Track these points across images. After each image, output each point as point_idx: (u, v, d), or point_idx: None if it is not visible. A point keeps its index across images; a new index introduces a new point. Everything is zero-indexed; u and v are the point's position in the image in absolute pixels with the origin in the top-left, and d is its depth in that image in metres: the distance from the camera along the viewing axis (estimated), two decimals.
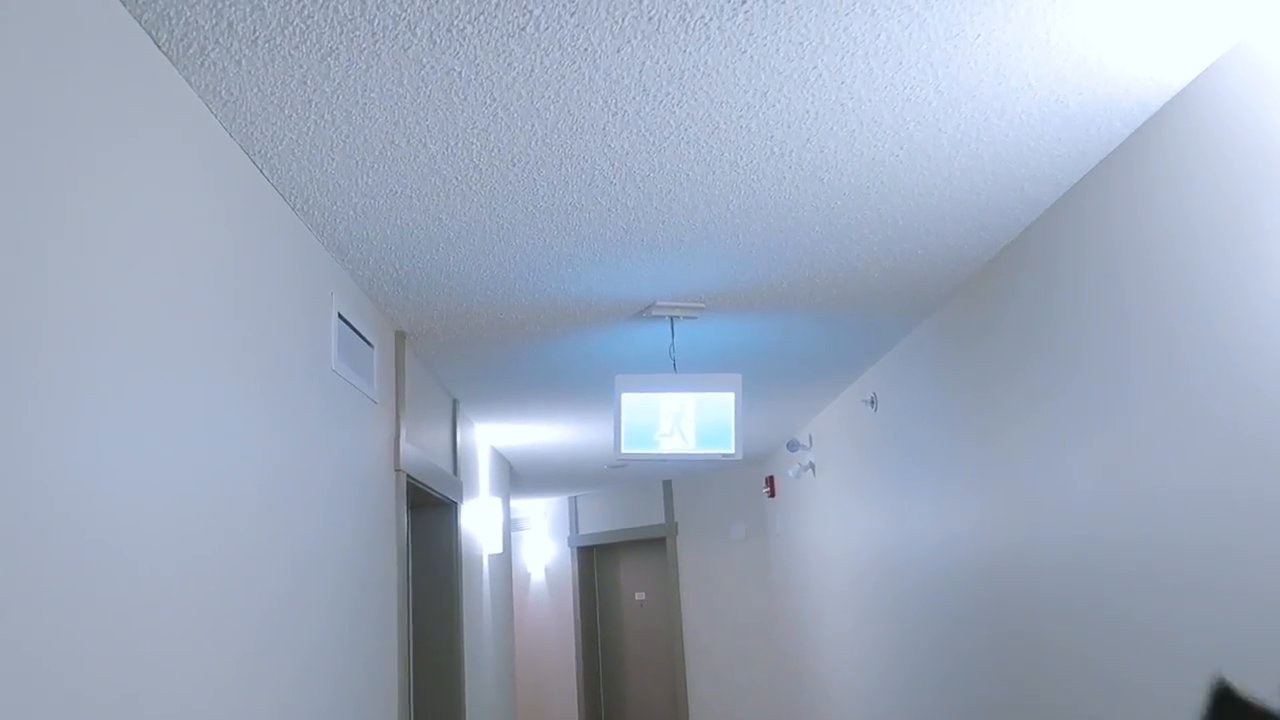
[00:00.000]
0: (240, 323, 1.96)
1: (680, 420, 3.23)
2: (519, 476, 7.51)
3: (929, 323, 3.57)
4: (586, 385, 4.42)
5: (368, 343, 2.98)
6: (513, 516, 9.45)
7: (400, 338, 3.42)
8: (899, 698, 4.34)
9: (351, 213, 2.40)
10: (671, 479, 8.32)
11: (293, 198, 2.30)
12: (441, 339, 3.57)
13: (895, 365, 4.06)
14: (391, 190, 2.29)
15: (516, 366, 4.02)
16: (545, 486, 8.29)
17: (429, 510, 4.39)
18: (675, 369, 3.37)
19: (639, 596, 8.80)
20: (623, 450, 3.24)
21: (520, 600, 9.34)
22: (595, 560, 9.22)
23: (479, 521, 5.22)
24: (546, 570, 9.30)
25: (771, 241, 2.79)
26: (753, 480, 7.90)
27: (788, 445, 5.86)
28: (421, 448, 3.84)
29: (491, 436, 5.66)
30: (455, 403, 4.60)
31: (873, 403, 4.42)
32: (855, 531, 5.00)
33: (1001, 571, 3.04)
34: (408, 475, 3.43)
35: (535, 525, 9.44)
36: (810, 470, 5.87)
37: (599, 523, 8.88)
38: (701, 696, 7.96)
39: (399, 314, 3.24)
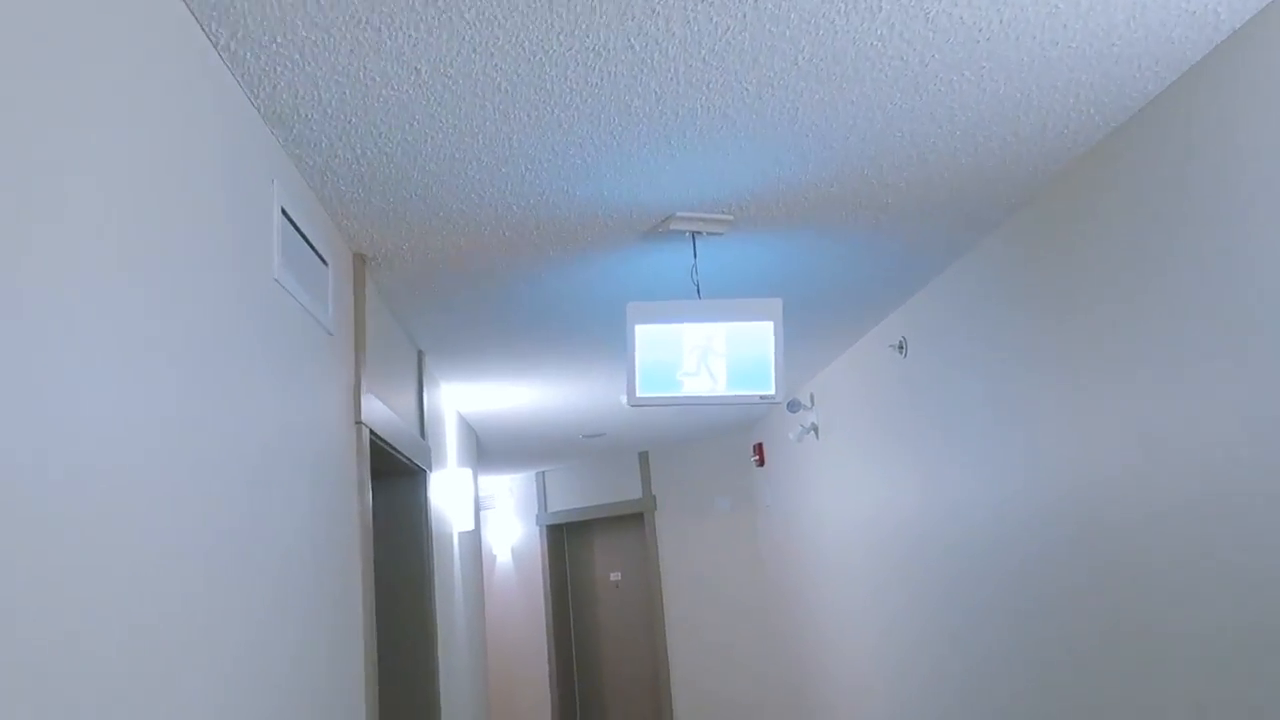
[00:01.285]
0: (126, 198, 1.34)
1: (708, 356, 2.65)
2: (485, 450, 6.88)
3: (990, 241, 3.03)
4: (584, 326, 3.82)
5: (321, 258, 2.36)
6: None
7: (360, 262, 2.79)
8: (934, 680, 3.83)
9: (298, 59, 1.77)
10: (648, 449, 7.75)
11: (214, 26, 1.67)
12: (409, 269, 2.94)
13: (932, 302, 3.52)
14: (351, 31, 1.67)
15: (500, 305, 3.41)
16: (512, 460, 7.67)
17: (396, 479, 3.77)
18: (699, 295, 2.78)
19: (614, 577, 8.23)
20: (638, 394, 2.65)
21: (485, 584, 8.72)
22: (566, 540, 8.63)
23: (449, 494, 4.60)
24: (513, 552, 8.70)
25: (833, 124, 2.21)
26: (738, 448, 7.36)
27: (787, 405, 5.32)
28: (388, 402, 3.21)
29: (458, 400, 5.03)
30: (421, 355, 3.97)
31: (901, 348, 3.88)
32: (871, 498, 4.47)
33: (1103, 531, 2.51)
34: (371, 431, 2.81)
35: (501, 504, 8.82)
36: (813, 433, 5.33)
37: (569, 499, 8.30)
38: (686, 683, 7.43)
39: (357, 229, 2.61)
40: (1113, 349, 2.42)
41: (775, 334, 2.65)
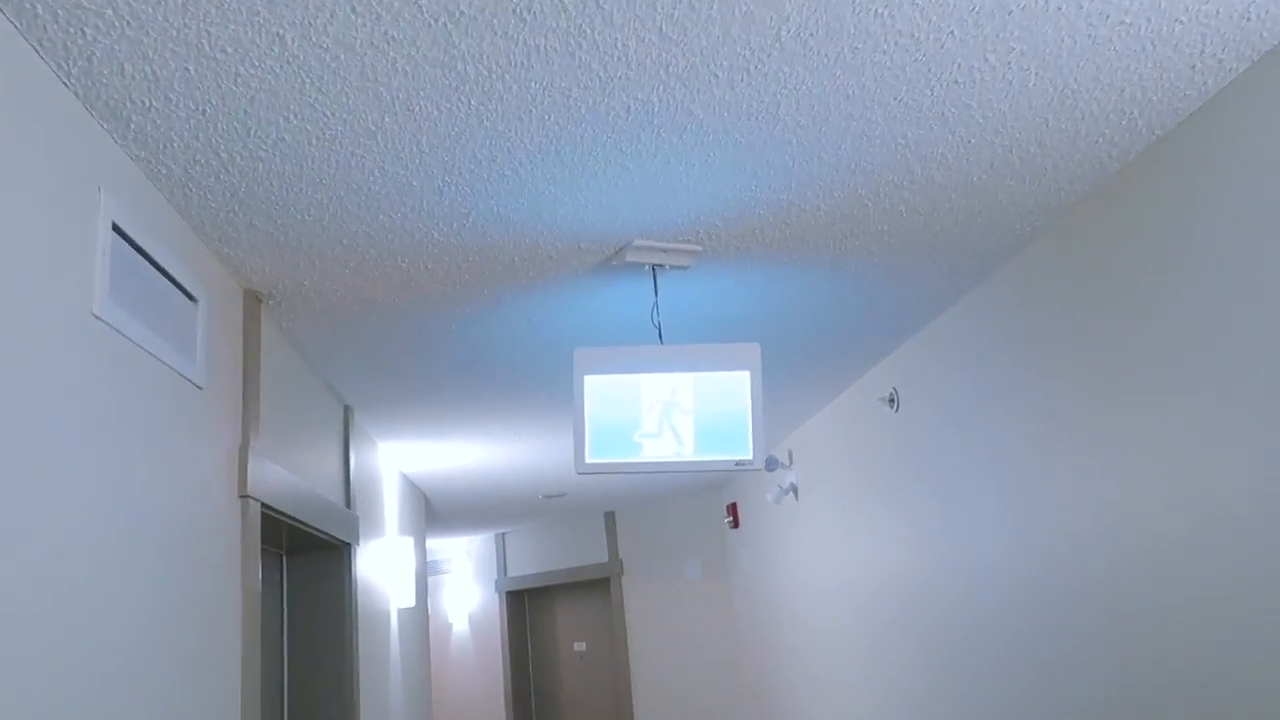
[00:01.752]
0: None
1: (672, 413, 2.19)
2: (436, 511, 6.35)
3: (995, 279, 2.61)
4: (532, 376, 3.35)
5: (186, 293, 1.88)
6: (430, 560, 8.26)
7: (254, 301, 2.31)
8: None
9: (113, 20, 1.32)
10: (614, 509, 7.24)
11: None
12: (319, 310, 2.47)
13: (927, 350, 3.09)
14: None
15: (432, 353, 2.93)
16: (468, 522, 7.12)
17: (313, 555, 3.25)
18: (661, 339, 2.33)
19: (579, 647, 7.66)
20: (588, 459, 2.18)
21: (440, 656, 8.12)
22: (527, 606, 8.06)
23: (384, 568, 4.08)
24: (470, 619, 8.11)
25: (822, 125, 1.78)
26: (711, 509, 6.87)
27: (765, 463, 4.84)
28: (295, 468, 2.72)
29: (400, 460, 4.53)
30: (348, 411, 3.49)
31: (892, 401, 3.44)
32: (857, 563, 4.00)
33: (1114, 598, 2.06)
34: (263, 505, 2.31)
35: (457, 568, 8.25)
36: (792, 494, 4.86)
37: (531, 563, 7.75)
38: None
39: (245, 260, 2.14)
40: (1132, 403, 1.98)
41: (753, 386, 2.19)
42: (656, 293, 2.30)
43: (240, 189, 1.82)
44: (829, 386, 3.84)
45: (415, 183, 1.86)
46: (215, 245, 2.04)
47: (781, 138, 1.83)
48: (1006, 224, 2.32)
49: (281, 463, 2.58)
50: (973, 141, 1.91)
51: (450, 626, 8.18)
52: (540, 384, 3.38)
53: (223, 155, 1.69)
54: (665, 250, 2.25)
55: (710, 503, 6.87)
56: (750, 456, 2.16)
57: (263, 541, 3.06)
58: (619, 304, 2.56)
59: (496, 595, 7.93)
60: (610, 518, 7.28)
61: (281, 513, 2.46)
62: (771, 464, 4.85)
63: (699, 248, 2.28)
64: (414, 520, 5.09)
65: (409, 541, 4.36)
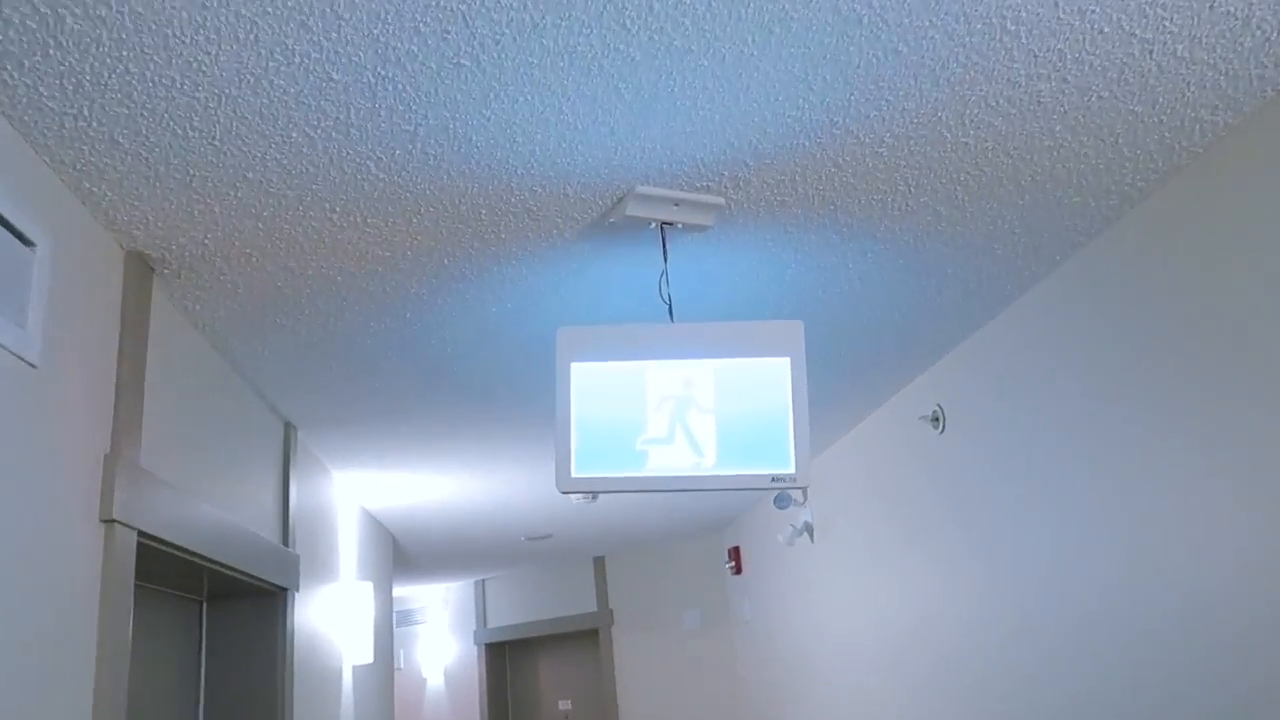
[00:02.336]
0: None
1: (686, 413, 1.65)
2: (407, 554, 5.74)
3: (1083, 257, 2.09)
4: (503, 385, 2.79)
5: (10, 229, 1.34)
6: (403, 609, 7.63)
7: (140, 267, 1.77)
8: None
9: None
10: (604, 554, 6.64)
11: None
12: (235, 287, 1.93)
13: (982, 356, 2.56)
14: None
15: (383, 350, 2.38)
16: (444, 567, 6.50)
17: (239, 603, 2.67)
18: (672, 317, 1.79)
19: (564, 706, 7.00)
20: (575, 473, 1.63)
21: (412, 714, 7.44)
22: (508, 660, 7.41)
23: (337, 617, 3.49)
24: (446, 674, 7.45)
25: (900, 16, 1.27)
26: (710, 553, 6.28)
27: (776, 500, 4.29)
28: (205, 493, 2.16)
29: (360, 492, 3.96)
30: (290, 431, 2.92)
31: (936, 420, 2.90)
32: (888, 611, 3.43)
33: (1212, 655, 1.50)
34: (142, 535, 1.74)
35: (432, 617, 7.61)
36: (806, 534, 4.30)
37: (513, 612, 7.12)
38: None
39: (121, 207, 1.60)
40: (1256, 419, 1.45)
41: (794, 378, 1.65)
42: (666, 258, 1.77)
43: (86, 79, 1.29)
44: (857, 403, 3.29)
45: (336, 76, 1.33)
46: (66, 170, 1.50)
47: (840, 29, 1.31)
48: (1116, 182, 1.80)
49: (180, 484, 2.02)
50: (1124, 38, 1.39)
51: (424, 682, 7.52)
52: (519, 396, 2.82)
53: (58, 40, 1.16)
54: (678, 203, 1.72)
55: (710, 547, 6.28)
56: (792, 470, 1.61)
57: (176, 586, 2.50)
58: (620, 281, 2.02)
59: (475, 647, 7.28)
60: (599, 563, 6.67)
61: (175, 546, 1.89)
62: (783, 501, 4.30)
63: (720, 200, 1.75)
64: (377, 563, 4.50)
65: (368, 588, 3.77)
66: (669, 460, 1.62)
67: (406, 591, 7.63)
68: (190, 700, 2.55)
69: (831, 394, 3.12)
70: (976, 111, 1.56)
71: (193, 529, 1.98)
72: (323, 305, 2.07)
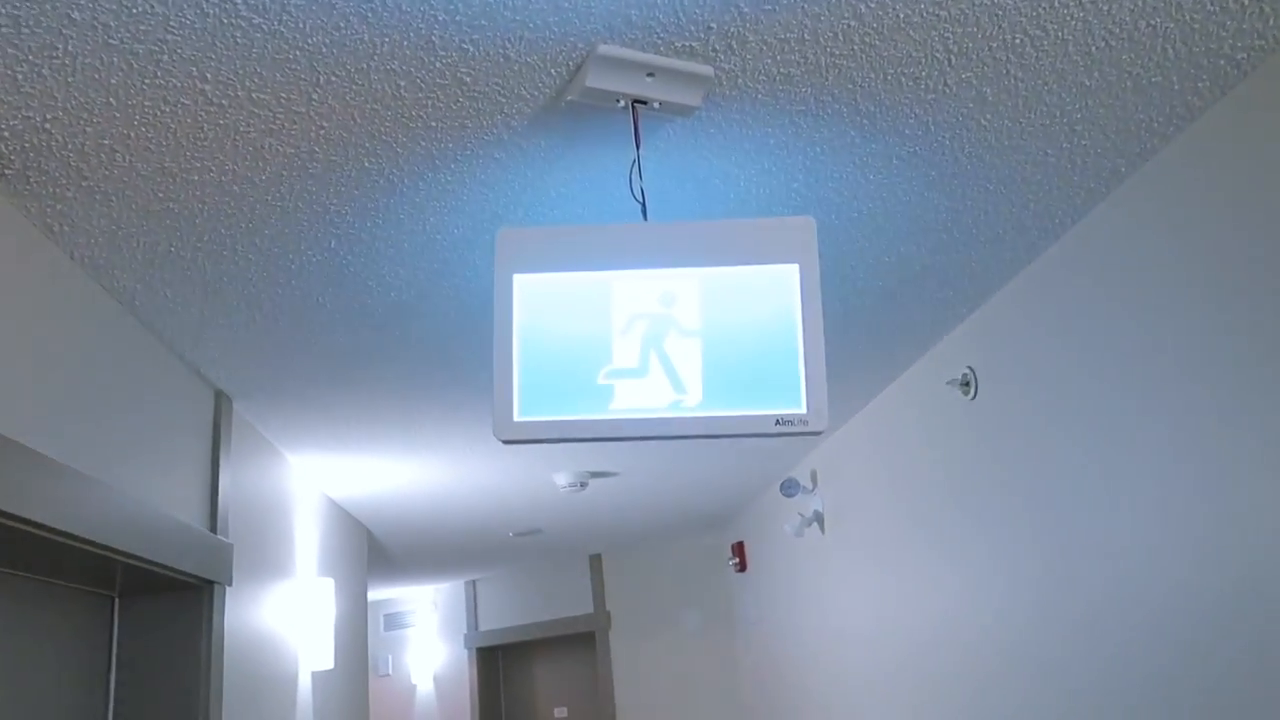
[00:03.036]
0: None
1: (664, 337, 1.26)
2: (390, 553, 5.35)
3: (1142, 177, 1.70)
4: (466, 335, 2.41)
5: None
6: (391, 611, 7.24)
7: None
8: None
9: None
10: (601, 552, 6.25)
11: None
12: (112, 197, 1.55)
13: (1026, 299, 2.17)
14: None
15: (314, 292, 1.99)
16: (430, 566, 6.11)
17: (155, 599, 2.29)
18: (645, 216, 1.39)
19: (560, 713, 6.60)
20: (516, 417, 1.24)
21: None
22: (501, 664, 7.02)
23: (288, 618, 3.10)
24: (436, 680, 7.06)
25: None
26: (712, 550, 5.88)
27: (783, 487, 3.90)
28: (106, 471, 1.77)
29: (322, 478, 3.57)
30: (222, 400, 2.54)
31: (966, 385, 2.51)
32: (911, 610, 3.03)
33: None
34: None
35: (421, 620, 7.22)
36: (816, 525, 3.90)
37: (506, 614, 6.72)
38: None
39: None
40: None
41: (804, 291, 1.26)
42: (639, 144, 1.38)
43: None
44: (873, 371, 2.89)
45: None
46: None
47: None
48: (1216, 56, 1.41)
49: (60, 456, 1.63)
50: None
51: (414, 688, 7.13)
52: (486, 358, 2.44)
53: None
54: (652, 73, 1.33)
55: (712, 543, 5.88)
56: (802, 410, 1.22)
57: (83, 581, 2.11)
58: (578, 172, 1.62)
59: (466, 651, 6.89)
60: (596, 561, 6.28)
61: (43, 527, 1.50)
62: (790, 488, 3.91)
63: (708, 69, 1.36)
64: (346, 558, 4.11)
65: (328, 585, 3.39)
66: (641, 398, 1.23)
67: (395, 593, 7.25)
68: (98, 709, 2.17)
69: (842, 361, 2.72)
70: None
71: (75, 509, 1.60)
72: (223, 228, 1.69)
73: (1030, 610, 2.28)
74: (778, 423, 1.22)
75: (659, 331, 1.25)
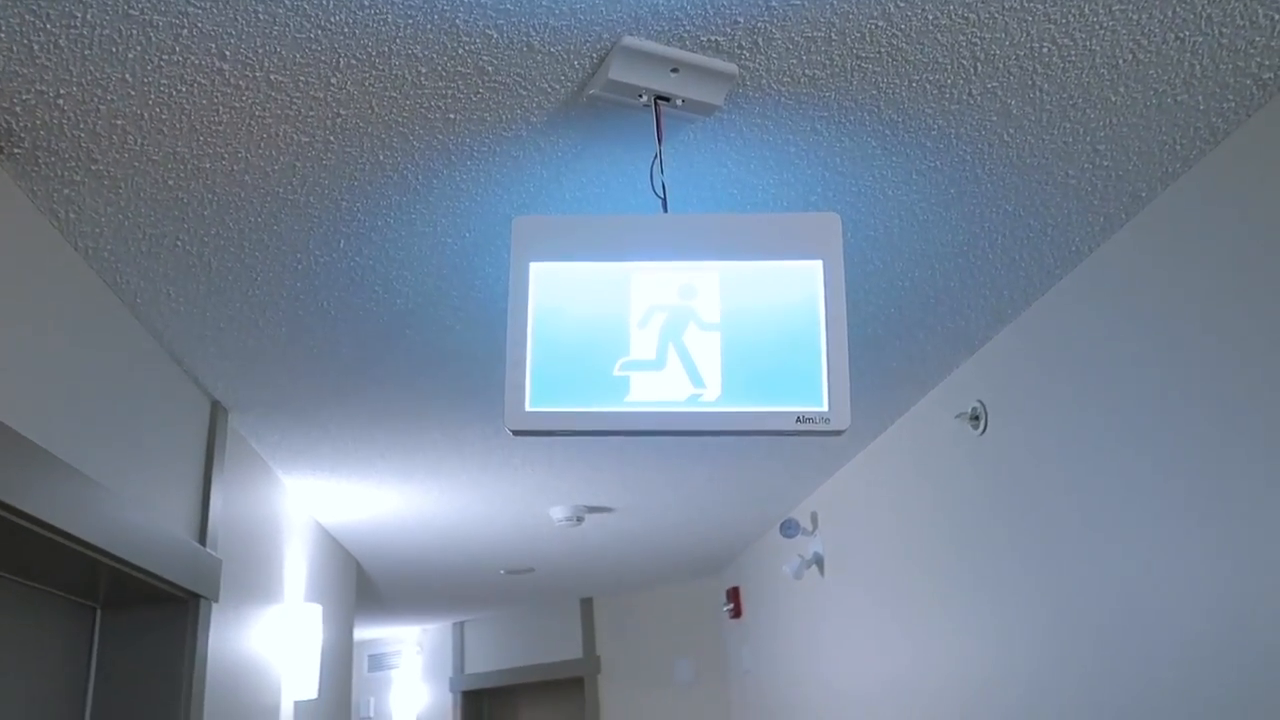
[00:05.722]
0: None
1: (683, 329, 1.23)
2: (377, 588, 5.26)
3: (1160, 207, 1.69)
4: (469, 351, 2.37)
5: None
6: (375, 652, 7.11)
7: None
8: None
9: None
10: (593, 596, 6.14)
11: None
12: (121, 183, 1.52)
13: (1041, 329, 2.14)
14: None
15: (319, 296, 1.96)
16: (418, 602, 5.99)
17: (138, 611, 2.22)
18: (666, 208, 1.37)
19: None
20: (529, 406, 1.20)
21: None
22: (487, 710, 6.86)
23: (272, 642, 3.02)
24: None
25: None
26: (707, 595, 5.79)
27: (782, 528, 3.84)
28: (94, 468, 1.72)
29: (315, 504, 3.51)
30: (219, 411, 2.49)
31: (975, 418, 2.47)
32: (913, 659, 2.95)
33: None
34: None
35: (405, 661, 7.08)
36: (816, 567, 3.84)
37: (492, 657, 6.59)
38: None
39: None
40: None
41: (828, 287, 1.23)
42: (661, 139, 1.36)
43: None
44: (876, 408, 2.86)
45: None
46: None
47: None
48: (1245, 75, 1.40)
49: (44, 442, 1.59)
50: None
51: None
52: (489, 378, 2.40)
53: None
54: (676, 68, 1.32)
55: (707, 589, 5.79)
56: (824, 408, 1.19)
57: (66, 588, 2.05)
58: (598, 169, 1.60)
59: (451, 695, 6.74)
60: (587, 605, 6.18)
61: (13, 510, 1.45)
62: (790, 528, 3.85)
63: (733, 67, 1.35)
64: (333, 586, 4.03)
65: (316, 611, 3.31)
66: (658, 390, 1.20)
67: (379, 634, 7.12)
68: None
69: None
70: None
71: (65, 505, 1.55)
72: (231, 221, 1.66)
73: (1035, 663, 2.21)
74: (799, 420, 1.18)
75: (678, 324, 1.22)
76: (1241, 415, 1.56)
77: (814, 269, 1.23)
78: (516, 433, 1.20)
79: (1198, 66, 1.42)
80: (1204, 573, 1.65)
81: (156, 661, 2.21)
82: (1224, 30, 1.35)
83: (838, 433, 1.19)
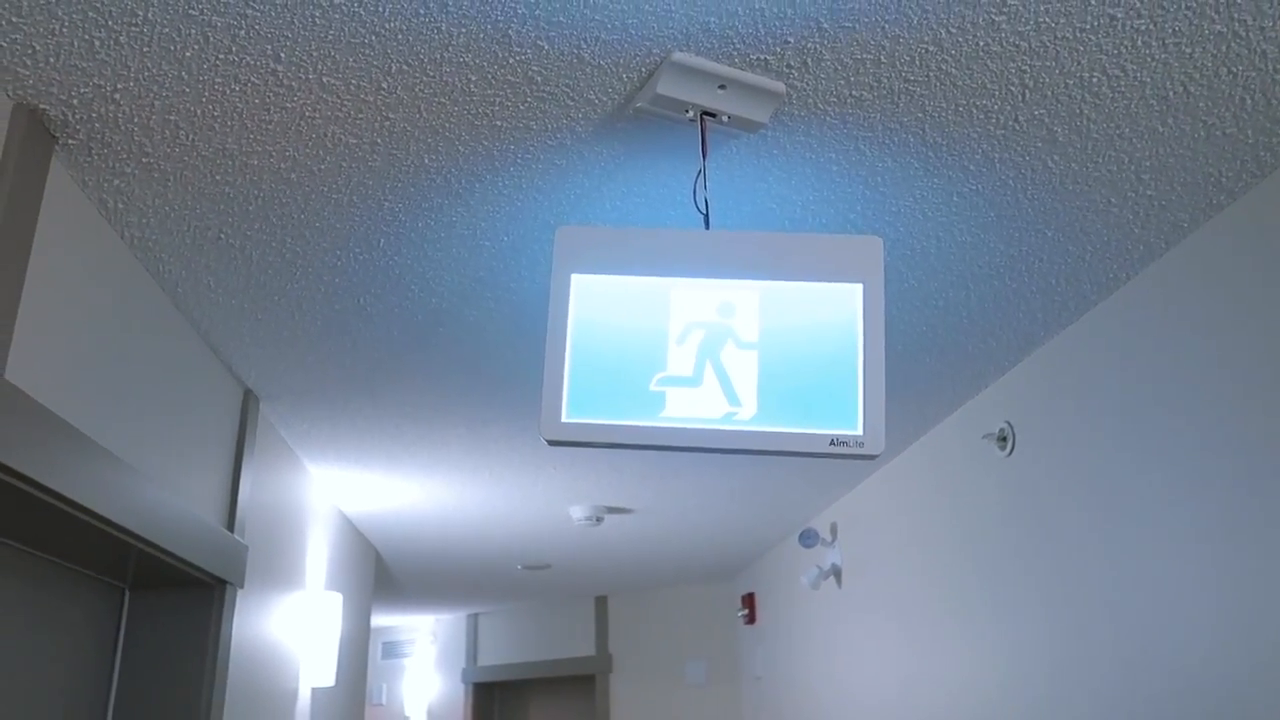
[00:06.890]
0: None
1: (721, 347, 1.23)
2: (394, 577, 5.30)
3: (1198, 240, 1.68)
4: (498, 351, 2.39)
5: None
6: (390, 639, 7.16)
7: (32, 128, 1.38)
8: None
9: None
10: (608, 594, 6.16)
11: None
12: (170, 175, 1.55)
13: (1073, 354, 2.13)
14: None
15: (356, 291, 1.98)
16: (433, 593, 6.03)
17: (166, 594, 2.25)
18: (708, 225, 1.38)
19: None
20: (565, 418, 1.21)
21: None
22: (498, 702, 6.90)
23: (293, 630, 3.05)
24: (430, 713, 6.94)
25: None
26: (721, 599, 5.79)
27: (801, 537, 3.84)
28: (129, 452, 1.75)
29: (339, 492, 3.54)
30: (250, 400, 2.52)
31: (1003, 439, 2.46)
32: (926, 674, 2.95)
33: None
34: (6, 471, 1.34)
35: (419, 651, 7.12)
36: (833, 578, 3.83)
37: (505, 650, 6.63)
38: None
39: (14, 42, 1.22)
40: None
41: (867, 310, 1.24)
42: (705, 154, 1.36)
43: None
44: (903, 424, 2.85)
45: None
46: None
47: None
48: None
49: (81, 424, 1.61)
50: None
51: None
52: (515, 377, 2.41)
53: None
54: (724, 84, 1.32)
55: (722, 592, 5.80)
56: (859, 432, 1.19)
57: (97, 568, 2.08)
58: (642, 183, 1.61)
59: (463, 686, 6.78)
60: (601, 603, 6.19)
61: (53, 493, 1.48)
62: (809, 538, 3.85)
63: (780, 86, 1.35)
64: (353, 575, 4.06)
65: (336, 599, 3.34)
66: (694, 407, 1.21)
67: (394, 621, 7.17)
68: (99, 699, 2.13)
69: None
70: None
71: (100, 487, 1.57)
72: (274, 217, 1.68)
73: (1048, 684, 2.20)
74: (833, 443, 1.18)
75: (716, 342, 1.23)
76: (1262, 453, 1.55)
77: (854, 292, 1.24)
78: (552, 443, 1.22)
79: (1249, 100, 1.41)
80: (1217, 599, 1.64)
81: (182, 644, 2.24)
82: (1279, 65, 1.34)
83: (871, 457, 1.19)
